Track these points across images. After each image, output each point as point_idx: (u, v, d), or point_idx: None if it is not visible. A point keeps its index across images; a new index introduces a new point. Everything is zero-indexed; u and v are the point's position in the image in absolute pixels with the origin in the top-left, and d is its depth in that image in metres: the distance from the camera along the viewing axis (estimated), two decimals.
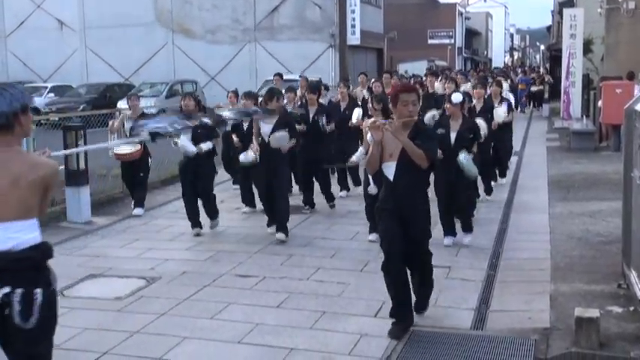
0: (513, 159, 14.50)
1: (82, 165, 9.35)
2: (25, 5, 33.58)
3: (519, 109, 26.84)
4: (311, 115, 9.73)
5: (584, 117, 19.46)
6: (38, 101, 25.41)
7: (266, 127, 8.29)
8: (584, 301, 5.69)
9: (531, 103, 27.23)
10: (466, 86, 14.44)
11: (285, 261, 7.41)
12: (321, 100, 10.66)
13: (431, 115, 9.61)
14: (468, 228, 8.02)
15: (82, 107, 23.56)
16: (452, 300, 6.07)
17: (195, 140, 8.34)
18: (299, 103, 10.91)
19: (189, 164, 8.52)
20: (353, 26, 32.47)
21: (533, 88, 26.83)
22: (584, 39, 23.14)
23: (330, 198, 9.97)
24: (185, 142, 8.32)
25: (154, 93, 25.68)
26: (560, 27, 27.62)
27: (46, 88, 27.87)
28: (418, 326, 5.40)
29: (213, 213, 8.87)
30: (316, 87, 10.33)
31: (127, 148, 9.60)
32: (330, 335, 5.30)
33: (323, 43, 30.90)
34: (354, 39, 32.53)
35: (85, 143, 9.35)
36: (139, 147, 9.50)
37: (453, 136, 7.68)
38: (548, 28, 58.28)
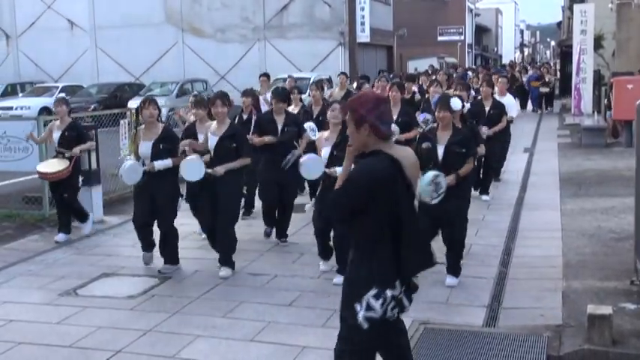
0: (524, 156, 14.48)
1: (94, 165, 9.40)
2: (36, 6, 33.74)
3: (532, 108, 26.49)
4: (279, 126, 7.98)
5: (595, 113, 19.37)
6: (49, 101, 25.56)
7: (213, 140, 6.88)
8: (597, 298, 5.68)
9: (543, 105, 26.16)
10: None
11: (296, 259, 7.42)
12: (290, 109, 9.11)
13: (424, 120, 8.53)
14: (457, 269, 6.44)
15: (92, 107, 23.68)
16: (464, 297, 6.07)
17: (154, 157, 6.90)
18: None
19: (146, 185, 6.98)
20: (362, 24, 32.44)
21: (542, 90, 25.77)
22: (595, 35, 23.00)
23: (283, 234, 8.13)
24: (128, 170, 6.92)
25: (164, 92, 25.74)
26: (571, 23, 27.42)
27: (57, 88, 27.98)
28: (430, 323, 5.40)
29: (170, 254, 7.13)
30: (283, 93, 8.32)
31: (52, 166, 8.25)
32: None
33: (332, 41, 30.89)
34: (363, 36, 32.50)
35: (97, 143, 9.39)
36: (67, 164, 8.18)
37: (440, 150, 6.20)
38: (559, 24, 58.03)
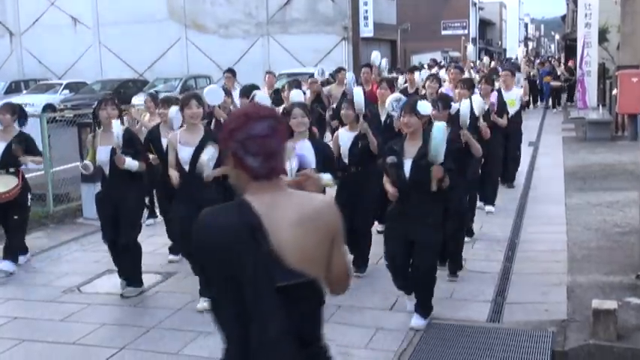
0: (529, 150, 14.42)
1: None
2: (39, 3, 33.73)
3: (544, 102, 25.65)
4: None
5: (600, 107, 19.29)
6: (53, 98, 25.59)
7: (186, 151, 5.67)
8: (602, 293, 5.66)
9: (555, 101, 24.79)
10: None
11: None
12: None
13: (395, 98, 7.10)
14: (425, 308, 5.36)
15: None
16: (468, 292, 6.05)
17: (114, 164, 6.04)
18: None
19: (109, 195, 6.21)
20: (366, 18, 32.37)
21: (553, 83, 24.43)
22: (600, 28, 22.88)
23: None
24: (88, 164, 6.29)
25: (167, 88, 25.74)
26: (575, 16, 27.30)
27: (61, 85, 28.04)
28: (434, 318, 5.38)
29: (132, 274, 6.32)
30: (249, 91, 7.87)
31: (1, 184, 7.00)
32: (346, 329, 5.30)
33: (336, 35, 30.83)
34: (367, 31, 32.43)
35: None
36: (16, 183, 7.02)
37: (407, 165, 5.11)
38: (563, 18, 57.76)
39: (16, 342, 5.30)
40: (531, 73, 25.88)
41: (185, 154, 5.61)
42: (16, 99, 25.47)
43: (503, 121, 9.06)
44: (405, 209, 5.15)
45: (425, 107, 5.19)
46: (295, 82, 9.87)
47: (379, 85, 8.30)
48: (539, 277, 6.41)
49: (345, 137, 6.51)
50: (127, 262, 6.27)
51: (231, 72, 11.79)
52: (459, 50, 53.41)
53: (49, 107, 23.33)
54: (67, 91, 27.16)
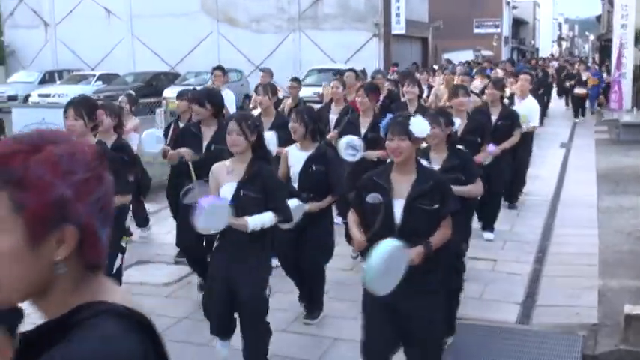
0: (560, 152, 14.28)
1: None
2: None
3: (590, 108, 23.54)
4: (205, 143, 5.65)
5: (634, 109, 19.02)
6: (86, 89, 25.93)
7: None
8: (634, 297, 5.60)
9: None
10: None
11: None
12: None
13: (348, 143, 6.29)
14: None
15: None
16: (497, 293, 6.04)
17: None
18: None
19: None
20: (398, 15, 32.24)
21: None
22: (636, 29, 22.54)
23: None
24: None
25: (199, 82, 25.87)
26: (611, 16, 26.93)
27: (94, 76, 28.37)
28: (464, 319, 5.37)
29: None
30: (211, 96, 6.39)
31: None
32: None
33: (367, 32, 30.74)
34: (398, 28, 32.30)
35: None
36: None
37: (399, 208, 3.72)
38: (598, 18, 56.99)
39: None
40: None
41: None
42: (49, 89, 25.95)
43: (514, 139, 7.81)
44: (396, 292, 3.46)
45: (420, 127, 3.76)
46: (271, 86, 7.54)
47: (357, 92, 7.10)
48: (570, 280, 6.36)
49: (295, 157, 5.33)
50: None
51: (220, 69, 9.91)
52: (492, 49, 53.08)
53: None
54: (99, 83, 27.47)
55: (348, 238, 5.90)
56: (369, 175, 3.93)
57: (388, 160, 4.05)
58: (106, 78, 28.08)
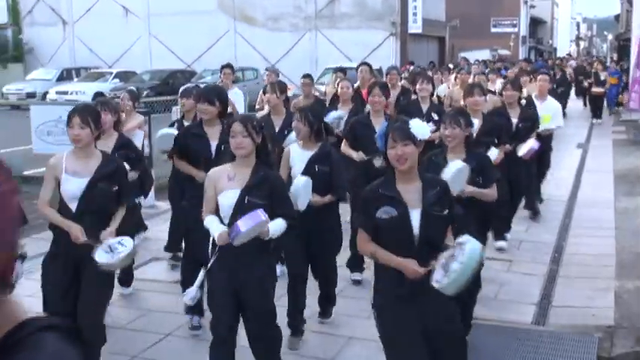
0: (577, 152, 14.16)
1: (146, 150, 9.53)
2: None
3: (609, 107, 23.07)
4: (213, 143, 5.24)
5: None
6: (103, 87, 26.10)
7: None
8: None
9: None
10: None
11: (342, 250, 7.41)
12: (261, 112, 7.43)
13: (336, 116, 6.47)
14: None
15: (145, 93, 24.05)
16: (513, 294, 6.00)
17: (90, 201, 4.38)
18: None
19: (67, 253, 4.34)
20: (414, 14, 32.17)
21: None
22: None
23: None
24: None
25: (215, 80, 25.96)
26: (630, 16, 26.69)
27: (111, 73, 28.55)
28: (479, 319, 5.35)
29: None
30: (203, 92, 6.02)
31: None
32: None
33: (384, 31, 30.69)
34: (415, 27, 32.23)
35: (150, 128, 9.53)
36: None
37: (416, 218, 3.48)
38: (617, 17, 56.50)
39: None
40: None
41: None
42: (67, 87, 26.14)
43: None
44: (414, 287, 3.41)
45: (422, 129, 3.56)
46: (279, 84, 7.31)
47: (370, 91, 6.50)
48: (587, 281, 6.31)
49: (297, 157, 5.09)
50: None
51: (229, 67, 9.55)
52: (509, 49, 52.79)
53: (99, 96, 23.77)
54: (116, 80, 27.63)
55: (353, 244, 5.69)
56: (373, 189, 3.60)
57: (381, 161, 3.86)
58: (123, 76, 28.23)
